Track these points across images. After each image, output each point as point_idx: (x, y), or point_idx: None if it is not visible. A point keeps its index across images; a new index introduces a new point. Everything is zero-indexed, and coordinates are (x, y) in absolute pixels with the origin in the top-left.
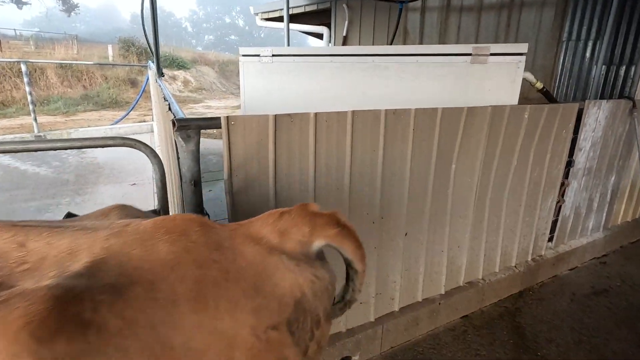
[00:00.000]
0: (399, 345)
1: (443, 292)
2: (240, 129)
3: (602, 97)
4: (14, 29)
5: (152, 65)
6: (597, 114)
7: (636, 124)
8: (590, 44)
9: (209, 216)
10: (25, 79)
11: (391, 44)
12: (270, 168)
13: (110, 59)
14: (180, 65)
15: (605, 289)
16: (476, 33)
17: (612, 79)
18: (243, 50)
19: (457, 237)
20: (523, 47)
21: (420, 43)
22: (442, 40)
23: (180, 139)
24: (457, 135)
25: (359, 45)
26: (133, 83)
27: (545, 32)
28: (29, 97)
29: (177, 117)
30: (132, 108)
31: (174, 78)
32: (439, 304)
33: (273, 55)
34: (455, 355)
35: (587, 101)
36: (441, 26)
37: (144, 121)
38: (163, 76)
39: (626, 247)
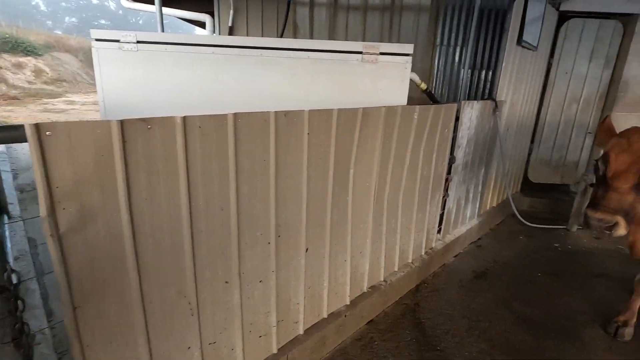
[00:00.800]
0: None
1: (348, 303)
2: (64, 142)
3: (469, 98)
4: None
5: None
6: (471, 114)
7: (498, 121)
8: (458, 49)
9: (17, 274)
10: None
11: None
12: (122, 193)
13: None
14: (28, 50)
15: (483, 272)
16: (363, 32)
17: (476, 82)
18: (96, 33)
19: (359, 243)
20: (409, 48)
21: (311, 39)
22: (331, 37)
23: None
24: (354, 138)
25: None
26: None
27: (422, 36)
28: None
29: None
30: None
31: (19, 66)
32: (345, 316)
33: (138, 42)
34: None
35: (462, 102)
36: (330, 23)
37: None
38: None
39: (494, 229)
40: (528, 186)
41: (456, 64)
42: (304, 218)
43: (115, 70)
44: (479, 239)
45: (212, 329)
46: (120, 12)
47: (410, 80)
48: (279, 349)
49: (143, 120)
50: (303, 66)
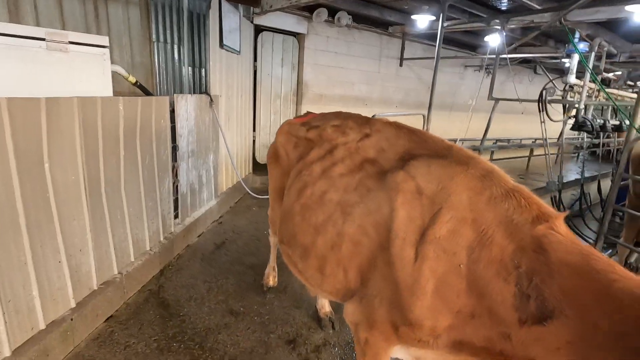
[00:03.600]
0: None
1: (74, 305)
2: None
3: (197, 93)
4: None
5: None
6: (187, 106)
7: (215, 114)
8: (176, 47)
9: None
10: None
11: None
12: None
13: None
14: None
15: (223, 242)
16: (62, 20)
17: (197, 78)
18: None
19: (76, 241)
20: (104, 40)
21: None
22: (13, 20)
23: None
24: (41, 130)
25: None
26: None
27: (136, 31)
28: None
29: None
30: None
31: None
32: (72, 319)
33: None
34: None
35: (175, 95)
36: (10, 3)
37: None
38: None
39: (233, 207)
40: (257, 167)
41: (177, 61)
42: None
43: None
44: (221, 217)
45: None
46: None
47: (116, 73)
48: None
49: None
50: None
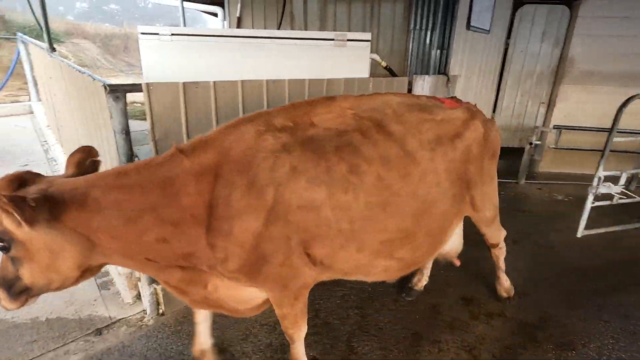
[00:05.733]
0: None
1: None
2: (157, 92)
3: (437, 74)
4: None
5: (26, 39)
6: (423, 85)
7: (450, 92)
8: (429, 33)
9: (137, 157)
10: None
11: (279, 28)
12: (183, 121)
13: None
14: (52, 38)
15: None
16: (349, 21)
17: (442, 60)
18: (142, 28)
19: None
20: (368, 36)
21: (305, 28)
22: (322, 26)
23: (111, 100)
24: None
25: (253, 26)
26: None
27: (398, 22)
28: None
29: (106, 83)
30: (2, 87)
31: None
32: None
33: (172, 35)
34: None
35: (414, 75)
36: (321, 13)
37: (18, 101)
38: (55, 51)
39: None
40: None
41: (427, 45)
42: None
43: (155, 56)
44: None
45: None
46: None
47: (373, 59)
48: None
49: (194, 83)
50: (291, 50)
